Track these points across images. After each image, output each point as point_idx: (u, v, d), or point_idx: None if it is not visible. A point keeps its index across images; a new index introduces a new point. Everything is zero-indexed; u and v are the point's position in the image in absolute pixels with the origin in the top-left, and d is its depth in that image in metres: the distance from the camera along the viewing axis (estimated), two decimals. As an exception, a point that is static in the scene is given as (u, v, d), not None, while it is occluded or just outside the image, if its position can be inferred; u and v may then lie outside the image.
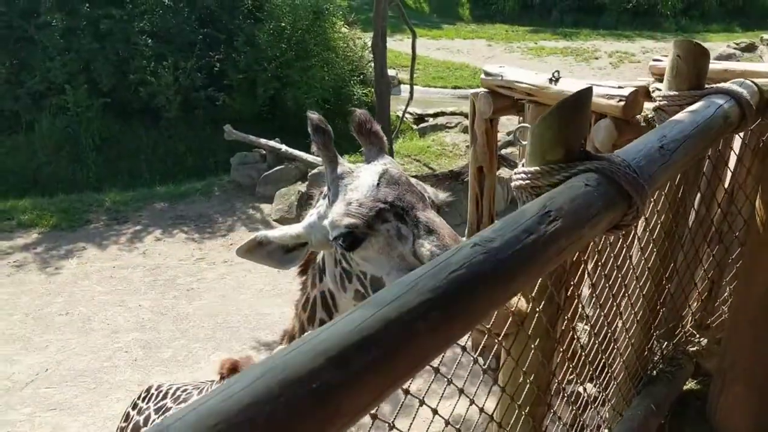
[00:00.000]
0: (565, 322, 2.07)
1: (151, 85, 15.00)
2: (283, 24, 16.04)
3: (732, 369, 3.38)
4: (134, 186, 13.45)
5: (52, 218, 11.15)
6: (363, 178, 1.81)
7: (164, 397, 3.30)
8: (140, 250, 10.28)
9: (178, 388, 3.34)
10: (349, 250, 1.75)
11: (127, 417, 3.45)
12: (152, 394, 3.41)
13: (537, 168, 1.72)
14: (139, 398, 3.49)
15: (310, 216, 1.94)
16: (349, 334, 1.00)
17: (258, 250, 1.94)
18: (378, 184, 1.77)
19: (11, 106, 15.06)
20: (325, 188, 1.92)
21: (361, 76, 17.68)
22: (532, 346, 1.87)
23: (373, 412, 1.29)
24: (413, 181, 1.85)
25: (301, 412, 0.89)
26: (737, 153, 3.30)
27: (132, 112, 15.71)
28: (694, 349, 3.75)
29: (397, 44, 21.55)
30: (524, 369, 1.84)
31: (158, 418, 3.10)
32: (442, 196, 1.91)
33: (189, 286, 9.03)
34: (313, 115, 1.88)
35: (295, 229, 1.94)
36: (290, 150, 12.07)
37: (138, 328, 7.96)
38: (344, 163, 1.89)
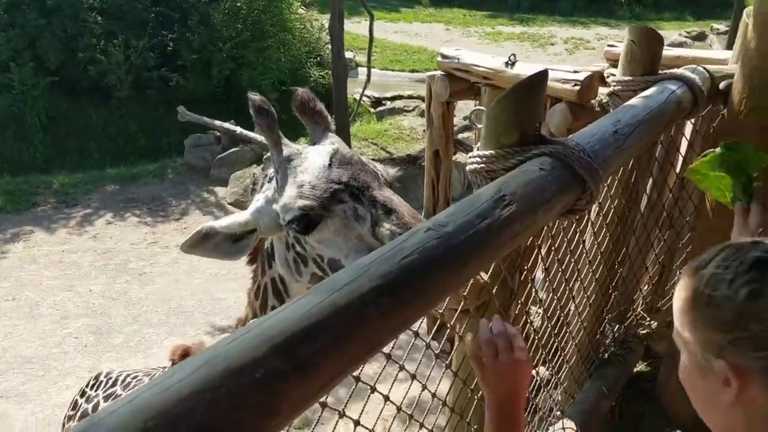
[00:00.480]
0: (519, 306, 2.07)
1: (101, 64, 14.58)
2: (239, 4, 15.75)
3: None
4: (84, 167, 13.09)
5: (-4, 200, 10.82)
6: (313, 160, 1.76)
7: (114, 384, 3.22)
8: (90, 233, 10.03)
9: (128, 375, 3.26)
10: (304, 234, 1.70)
11: (75, 405, 3.36)
12: (101, 381, 3.33)
13: (492, 152, 1.70)
14: (87, 386, 3.40)
15: (257, 201, 1.87)
16: (296, 321, 0.96)
17: (204, 243, 1.84)
18: (330, 164, 1.73)
19: (-48, 83, 14.51)
20: (271, 171, 1.87)
21: (318, 58, 17.50)
22: (486, 330, 1.85)
23: (322, 399, 1.26)
24: (364, 159, 1.81)
25: (244, 402, 0.85)
26: (689, 139, 3.35)
27: (81, 91, 15.25)
28: (645, 332, 3.82)
29: (355, 26, 21.39)
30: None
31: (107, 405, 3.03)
32: (392, 171, 1.87)
33: (141, 271, 8.86)
34: (255, 97, 1.80)
35: (242, 216, 1.87)
36: (245, 132, 11.89)
37: (88, 314, 7.78)
38: (291, 145, 1.84)
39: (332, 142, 1.82)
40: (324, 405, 1.30)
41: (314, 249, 1.72)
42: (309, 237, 1.70)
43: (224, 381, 0.84)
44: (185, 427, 0.77)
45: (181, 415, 0.78)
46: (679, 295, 1.18)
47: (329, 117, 1.94)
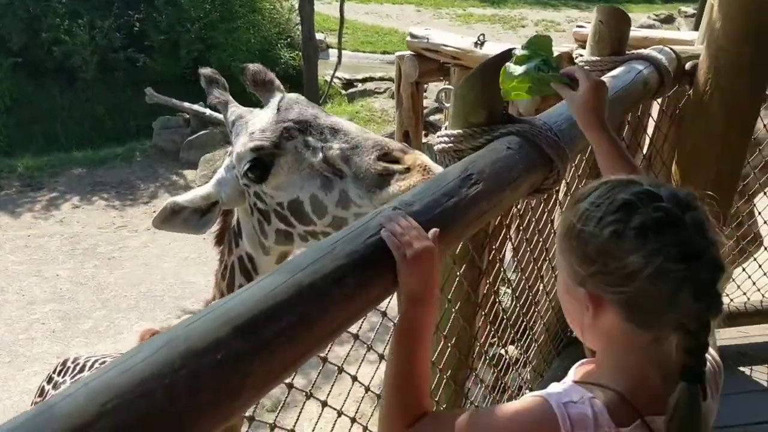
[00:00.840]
0: (487, 285, 2.08)
1: (65, 44, 14.27)
2: (207, -17, 15.54)
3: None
4: (49, 150, 12.84)
5: (-41, 184, 10.58)
6: (262, 113, 1.80)
7: (81, 369, 3.18)
8: (57, 217, 9.87)
9: (96, 360, 3.22)
10: (261, 182, 1.72)
11: (42, 391, 3.32)
12: (68, 367, 3.28)
13: (460, 131, 1.69)
14: (54, 372, 3.35)
15: (218, 174, 1.90)
16: (259, 302, 0.95)
17: (173, 219, 1.87)
18: (277, 110, 1.76)
19: None
20: (230, 147, 1.89)
21: (289, 40, 17.33)
22: (453, 309, 1.86)
23: (288, 381, 1.25)
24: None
25: (205, 383, 0.84)
26: (655, 119, 3.38)
27: (45, 72, 14.92)
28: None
29: (326, 7, 21.20)
30: (445, 333, 1.84)
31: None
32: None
33: (110, 255, 8.74)
34: (205, 70, 1.92)
35: (204, 189, 1.89)
36: (215, 114, 11.73)
37: (56, 299, 7.66)
38: (240, 107, 1.88)
39: (279, 95, 1.85)
40: (290, 386, 1.30)
41: (273, 199, 1.74)
42: (266, 185, 1.72)
43: (185, 362, 0.82)
44: (145, 409, 0.76)
45: (140, 396, 0.76)
46: (560, 222, 1.26)
47: (281, 84, 1.95)
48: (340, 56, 14.67)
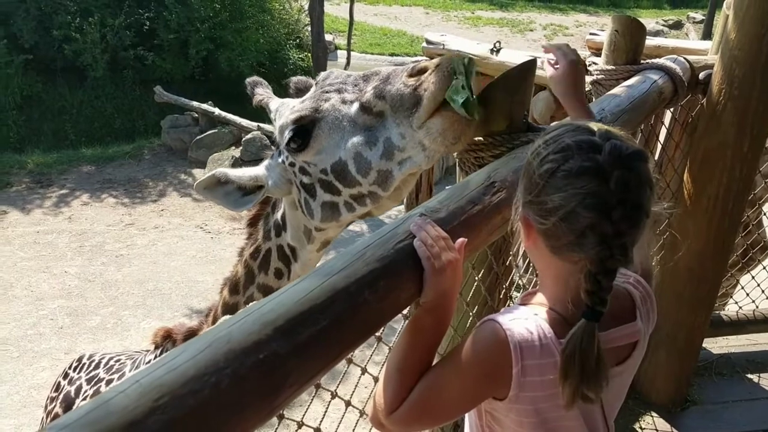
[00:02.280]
0: (503, 290, 2.11)
1: (76, 42, 14.31)
2: (217, -17, 15.59)
3: (656, 335, 3.52)
4: (59, 148, 12.90)
5: (-31, 180, 10.63)
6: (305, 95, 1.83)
7: (96, 366, 3.20)
8: (66, 214, 9.91)
9: (111, 358, 3.24)
10: (303, 149, 1.70)
11: (57, 387, 3.34)
12: (84, 363, 3.30)
13: (480, 139, 1.72)
14: (70, 367, 3.38)
15: (269, 158, 1.92)
16: (296, 305, 0.98)
17: (216, 188, 1.89)
18: (316, 83, 1.79)
19: None
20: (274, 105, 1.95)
21: (298, 40, 17.38)
22: (471, 313, 1.89)
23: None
24: None
25: (248, 382, 0.87)
26: (668, 128, 3.40)
27: (56, 70, 14.98)
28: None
29: (335, 9, 21.26)
30: (462, 336, 1.86)
31: (90, 388, 3.01)
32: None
33: (118, 253, 8.78)
34: (249, 79, 2.01)
35: (254, 170, 1.90)
36: (224, 113, 11.79)
37: (64, 295, 7.70)
38: (277, 100, 1.93)
39: None
40: (318, 386, 1.33)
41: (316, 167, 1.72)
42: (308, 152, 1.70)
43: (229, 362, 0.86)
44: (194, 406, 0.79)
45: (189, 393, 0.80)
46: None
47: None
48: (348, 57, 14.72)
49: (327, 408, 1.43)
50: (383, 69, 1.66)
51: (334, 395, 1.38)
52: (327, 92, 1.70)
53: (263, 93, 1.98)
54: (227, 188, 1.89)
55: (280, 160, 1.83)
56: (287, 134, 1.71)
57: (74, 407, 2.96)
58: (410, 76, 1.54)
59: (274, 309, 0.96)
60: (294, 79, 1.98)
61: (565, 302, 1.30)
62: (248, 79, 1.99)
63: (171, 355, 0.87)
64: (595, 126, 1.30)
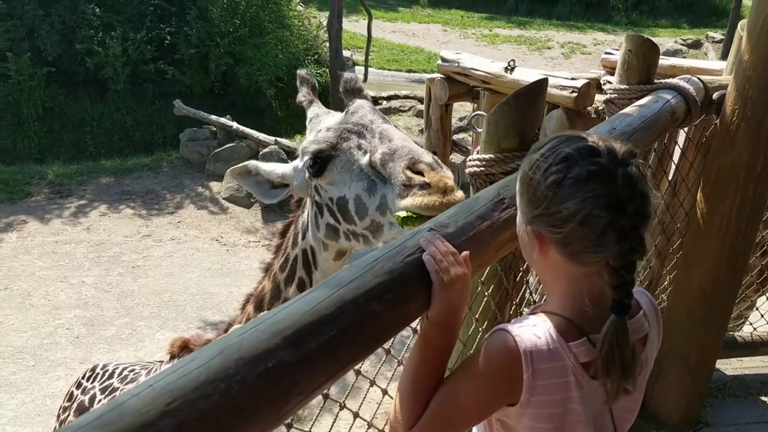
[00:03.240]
0: (513, 306, 2.12)
1: (98, 56, 14.52)
2: (238, -1, 15.77)
3: (669, 355, 3.51)
4: (78, 159, 13.05)
5: (-9, 189, 10.78)
6: (335, 115, 1.95)
7: (110, 376, 3.23)
8: (84, 225, 10.02)
9: (125, 368, 3.27)
10: (318, 176, 1.84)
11: (71, 396, 3.36)
12: (98, 373, 3.33)
13: (491, 155, 1.75)
14: (83, 377, 3.39)
15: (296, 161, 2.03)
16: (305, 315, 1.01)
17: (248, 177, 2.06)
18: (345, 113, 1.89)
19: (-52, 72, 14.42)
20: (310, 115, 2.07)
21: (316, 56, 17.50)
22: (480, 329, 1.91)
23: (325, 392, 1.31)
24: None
25: (257, 389, 0.90)
26: (681, 147, 3.41)
27: (77, 83, 15.19)
28: (634, 335, 3.86)
29: (353, 25, 21.43)
30: (471, 352, 1.88)
31: (104, 398, 3.04)
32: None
33: (134, 263, 8.86)
34: (302, 71, 2.10)
35: (283, 168, 2.04)
36: (241, 127, 11.89)
37: (80, 305, 7.78)
38: (321, 108, 2.03)
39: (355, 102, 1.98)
40: (326, 397, 1.35)
41: (327, 193, 1.86)
42: (321, 180, 1.85)
43: (239, 369, 0.89)
44: (204, 410, 0.82)
45: (199, 398, 0.82)
46: (520, 168, 1.41)
47: (369, 95, 2.10)
48: (366, 74, 14.82)
49: (335, 419, 1.46)
50: (395, 135, 1.78)
51: (342, 406, 1.40)
52: (349, 132, 1.82)
53: (306, 96, 2.09)
54: (258, 178, 2.05)
55: (302, 167, 1.94)
56: (307, 160, 1.85)
57: (88, 415, 2.98)
58: (408, 168, 1.67)
59: (283, 319, 0.99)
60: (346, 76, 2.07)
61: (575, 308, 1.35)
62: (299, 72, 2.10)
63: (183, 361, 0.90)
64: (583, 133, 1.37)
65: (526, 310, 2.77)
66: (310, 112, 2.04)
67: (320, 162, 1.81)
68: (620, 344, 1.27)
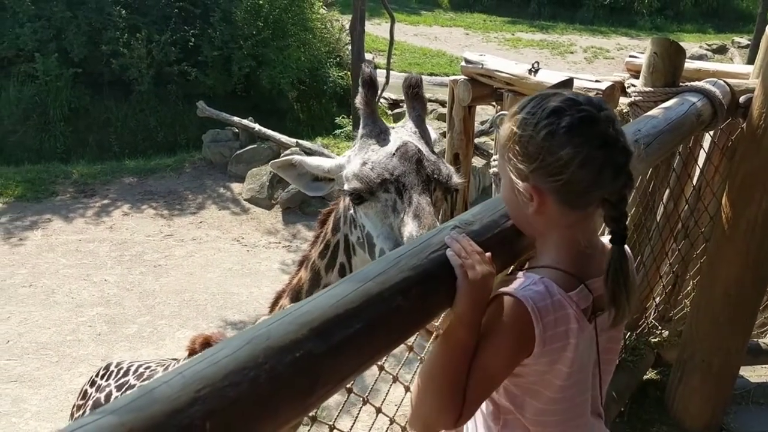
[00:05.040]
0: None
1: (123, 57, 14.67)
2: (261, 2, 15.83)
3: (691, 360, 3.48)
4: (103, 159, 13.21)
5: (17, 188, 10.93)
6: (386, 145, 1.92)
7: (125, 374, 3.21)
8: (107, 224, 10.13)
9: (140, 365, 3.25)
10: (356, 204, 1.87)
11: (84, 394, 3.36)
12: (112, 371, 3.32)
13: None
14: (97, 375, 3.39)
15: (345, 156, 2.03)
16: (332, 307, 1.02)
17: (290, 170, 2.08)
18: (393, 154, 1.87)
19: (-23, 72, 14.67)
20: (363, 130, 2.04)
21: (338, 59, 17.55)
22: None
23: (348, 386, 1.32)
24: (432, 158, 1.91)
25: (284, 378, 0.91)
26: (707, 151, 3.38)
27: (103, 84, 15.36)
28: (656, 340, 3.85)
29: (375, 28, 21.47)
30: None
31: (120, 395, 3.04)
32: (456, 180, 1.95)
33: (156, 263, 8.94)
34: (367, 69, 2.04)
35: (328, 163, 2.06)
36: (264, 129, 11.96)
37: (103, 303, 7.87)
38: (377, 122, 2.00)
39: (409, 135, 1.96)
40: (350, 391, 1.36)
41: (361, 218, 1.90)
42: (359, 208, 1.88)
43: (267, 358, 0.90)
44: (233, 397, 0.83)
45: (228, 386, 0.84)
46: (501, 133, 1.50)
47: (427, 105, 2.13)
48: (387, 77, 14.81)
49: (354, 421, 1.46)
50: (428, 222, 1.74)
51: (365, 401, 1.41)
52: (391, 183, 1.82)
53: (365, 100, 2.00)
54: (300, 171, 2.07)
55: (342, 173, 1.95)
56: (347, 187, 1.88)
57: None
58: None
59: (310, 311, 1.00)
60: (410, 77, 2.07)
61: (569, 258, 1.46)
62: (366, 71, 2.03)
63: (212, 350, 0.91)
64: (557, 90, 1.47)
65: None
66: (363, 126, 2.00)
67: (357, 195, 1.85)
68: (623, 269, 1.41)
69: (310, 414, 1.23)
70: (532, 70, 3.72)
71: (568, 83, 1.75)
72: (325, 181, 2.07)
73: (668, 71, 2.77)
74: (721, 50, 23.16)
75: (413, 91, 2.05)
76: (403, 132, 1.97)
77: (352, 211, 1.93)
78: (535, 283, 1.41)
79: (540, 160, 1.38)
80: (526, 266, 1.54)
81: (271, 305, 2.33)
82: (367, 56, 15.90)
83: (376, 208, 1.83)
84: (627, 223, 1.42)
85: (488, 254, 1.33)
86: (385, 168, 1.84)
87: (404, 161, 1.85)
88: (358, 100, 2.01)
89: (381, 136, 1.95)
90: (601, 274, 1.44)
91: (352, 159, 1.95)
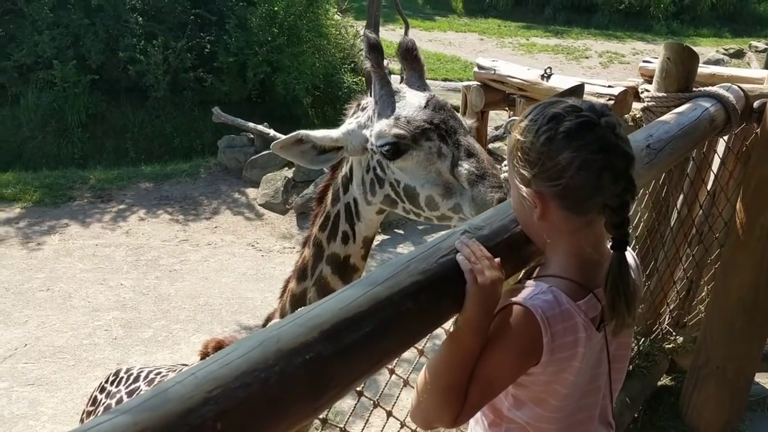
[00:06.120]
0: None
1: (140, 64, 14.80)
2: (276, 8, 15.91)
3: (705, 366, 3.46)
4: (119, 164, 13.32)
5: (35, 193, 11.04)
6: (411, 99, 1.97)
7: (136, 380, 3.20)
8: (123, 229, 10.22)
9: (150, 371, 3.24)
10: (391, 159, 1.89)
11: (94, 401, 3.35)
12: (122, 377, 3.30)
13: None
14: (107, 382, 3.38)
15: (349, 124, 2.08)
16: (342, 311, 1.04)
17: (294, 147, 2.08)
18: (425, 106, 1.93)
19: (-3, 78, 14.86)
20: (363, 101, 2.11)
21: (352, 65, 17.59)
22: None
23: (359, 389, 1.33)
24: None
25: (294, 380, 0.93)
26: (721, 156, 3.37)
27: (120, 90, 15.50)
28: (670, 346, 3.82)
29: (390, 34, 21.49)
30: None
31: (131, 401, 3.03)
32: (470, 122, 2.03)
33: (171, 267, 9.00)
34: (371, 35, 2.09)
35: (335, 133, 2.08)
36: (278, 135, 12.01)
37: (119, 307, 7.93)
38: (390, 84, 2.04)
39: (430, 90, 2.03)
40: (360, 394, 1.38)
41: (393, 174, 1.93)
42: (393, 163, 1.90)
43: (277, 360, 0.92)
44: (244, 398, 0.85)
45: (240, 387, 0.86)
46: (508, 142, 1.54)
47: (425, 66, 2.17)
48: (401, 82, 14.84)
49: (368, 416, 1.48)
50: (483, 156, 1.85)
51: (376, 404, 1.42)
52: (432, 131, 1.88)
53: (377, 66, 2.03)
54: (303, 147, 2.07)
55: (365, 133, 2.00)
56: (383, 142, 1.90)
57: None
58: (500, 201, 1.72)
59: (320, 314, 1.02)
60: (406, 41, 2.14)
61: (577, 266, 1.47)
62: (370, 36, 2.08)
63: (224, 352, 0.93)
64: (560, 98, 1.49)
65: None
66: (383, 88, 2.03)
67: (396, 149, 1.87)
68: (623, 277, 1.41)
69: (321, 416, 1.25)
70: (545, 75, 3.72)
71: (579, 88, 1.76)
72: (333, 152, 2.08)
73: (681, 76, 2.76)
74: (738, 54, 22.96)
75: (413, 53, 2.10)
76: (422, 90, 2.03)
77: (376, 172, 1.96)
78: (544, 293, 1.42)
79: (540, 165, 1.40)
80: (535, 274, 1.55)
81: (281, 293, 2.37)
82: (382, 62, 15.89)
83: (418, 157, 1.86)
84: (633, 228, 1.43)
85: (497, 259, 1.35)
86: (423, 118, 1.89)
87: (439, 110, 1.92)
88: (369, 65, 2.05)
89: (398, 95, 2.01)
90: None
91: (375, 119, 1.98)
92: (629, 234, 1.43)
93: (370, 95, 2.07)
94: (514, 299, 1.42)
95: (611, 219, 1.41)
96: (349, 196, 2.11)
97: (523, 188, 1.45)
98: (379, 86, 2.02)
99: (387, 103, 1.98)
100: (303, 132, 2.07)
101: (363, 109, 2.10)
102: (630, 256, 1.59)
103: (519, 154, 1.45)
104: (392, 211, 2.04)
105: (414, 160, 1.86)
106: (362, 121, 2.05)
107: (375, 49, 2.04)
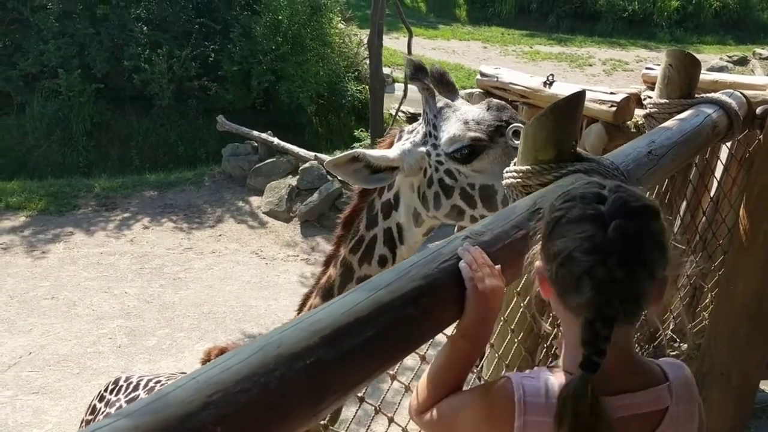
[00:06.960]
0: (550, 318, 2.11)
1: (145, 73, 14.87)
2: (280, 17, 15.97)
3: (710, 373, 3.45)
4: (124, 173, 13.37)
5: (40, 202, 11.09)
6: (468, 108, 2.03)
7: (136, 388, 3.21)
8: (128, 237, 10.25)
9: (150, 380, 3.24)
10: (465, 163, 1.93)
11: (93, 409, 3.34)
12: (121, 386, 3.30)
13: (528, 167, 1.76)
14: (106, 390, 3.37)
15: (403, 145, 2.11)
16: (343, 315, 1.04)
17: (348, 166, 2.08)
18: (488, 108, 1.98)
19: (2, 88, 14.84)
20: (412, 126, 2.16)
21: (356, 73, 17.65)
22: (516, 340, 1.91)
23: (360, 394, 1.33)
24: None
25: (295, 385, 0.93)
26: (724, 162, 3.37)
27: (124, 99, 15.57)
28: (674, 353, 3.81)
29: (393, 42, 21.56)
30: (507, 362, 1.89)
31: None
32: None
33: (176, 276, 9.02)
34: (414, 60, 2.15)
35: (391, 153, 2.11)
36: (282, 143, 12.04)
37: (123, 315, 7.95)
38: (441, 98, 2.09)
39: (469, 103, 2.11)
40: (362, 399, 1.38)
41: (467, 178, 1.96)
42: (468, 166, 1.94)
43: (278, 365, 0.92)
44: (244, 403, 0.85)
45: (240, 391, 0.86)
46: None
47: (458, 89, 2.21)
48: (405, 90, 14.84)
49: (370, 422, 1.48)
50: None
51: (377, 410, 1.42)
52: (502, 126, 1.93)
53: (428, 84, 2.12)
54: (356, 166, 2.08)
55: (422, 150, 2.04)
56: (459, 147, 1.93)
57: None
58: None
59: (322, 319, 1.02)
60: (436, 68, 2.18)
61: (576, 360, 1.26)
62: (412, 60, 2.14)
63: (225, 357, 0.93)
64: (609, 182, 1.35)
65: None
66: (437, 101, 2.09)
67: (472, 151, 1.90)
68: (577, 397, 1.20)
69: (322, 422, 1.25)
70: (547, 82, 3.74)
71: (580, 96, 1.75)
72: (387, 171, 2.09)
73: (683, 83, 2.76)
74: (742, 62, 22.95)
75: (446, 78, 2.16)
76: (464, 101, 2.08)
77: (444, 182, 1.98)
78: (538, 378, 1.33)
79: (542, 243, 1.32)
80: (554, 350, 1.49)
81: (299, 307, 2.38)
82: (386, 70, 15.97)
83: (495, 154, 1.91)
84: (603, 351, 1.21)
85: (498, 267, 1.34)
86: (492, 117, 1.94)
87: (502, 109, 1.97)
88: (418, 86, 2.10)
89: (453, 107, 2.05)
90: (631, 388, 1.31)
91: (437, 132, 2.01)
92: (603, 353, 1.21)
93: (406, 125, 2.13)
94: (510, 374, 1.38)
95: (582, 332, 1.23)
96: (391, 222, 2.14)
97: (536, 262, 1.36)
98: (434, 101, 2.07)
99: (446, 114, 2.02)
100: (359, 150, 2.08)
101: (410, 132, 2.15)
102: (680, 377, 1.41)
103: (540, 222, 1.35)
104: (450, 224, 2.05)
105: (491, 158, 1.90)
106: (417, 140, 2.09)
107: (421, 70, 2.10)
